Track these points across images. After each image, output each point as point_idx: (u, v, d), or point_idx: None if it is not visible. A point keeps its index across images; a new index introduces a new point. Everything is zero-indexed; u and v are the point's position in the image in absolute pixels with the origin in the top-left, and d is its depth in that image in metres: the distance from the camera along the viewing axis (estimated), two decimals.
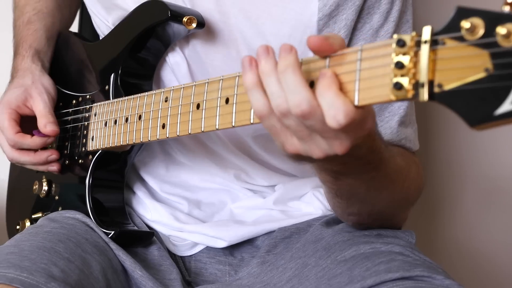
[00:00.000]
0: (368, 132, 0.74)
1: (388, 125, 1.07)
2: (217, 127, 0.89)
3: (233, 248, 1.17)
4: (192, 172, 1.19)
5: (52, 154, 1.20)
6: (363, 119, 0.70)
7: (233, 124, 0.86)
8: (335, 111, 0.68)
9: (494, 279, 1.66)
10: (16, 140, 1.17)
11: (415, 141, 1.12)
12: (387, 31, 1.07)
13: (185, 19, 1.06)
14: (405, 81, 0.66)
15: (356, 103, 0.70)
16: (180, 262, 1.17)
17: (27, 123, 1.20)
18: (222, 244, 1.14)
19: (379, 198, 0.98)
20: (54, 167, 1.21)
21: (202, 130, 0.92)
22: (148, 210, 1.20)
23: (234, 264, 1.16)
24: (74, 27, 1.47)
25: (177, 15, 1.06)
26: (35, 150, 1.20)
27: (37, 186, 1.27)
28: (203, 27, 1.07)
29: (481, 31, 0.62)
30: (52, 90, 1.22)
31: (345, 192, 0.95)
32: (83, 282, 0.95)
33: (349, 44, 1.07)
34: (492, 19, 0.61)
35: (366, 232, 1.07)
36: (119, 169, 1.18)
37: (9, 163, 1.31)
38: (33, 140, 1.18)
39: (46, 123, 1.16)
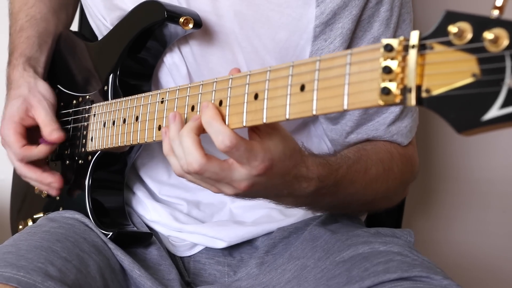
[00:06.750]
0: (269, 172, 0.83)
1: (383, 122, 1.09)
2: None
3: (232, 249, 1.16)
4: None
5: (55, 183, 1.19)
6: (249, 149, 0.81)
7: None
8: (222, 137, 0.81)
9: (492, 279, 1.65)
10: (23, 154, 1.17)
11: (408, 133, 1.12)
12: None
13: (181, 20, 1.05)
14: (393, 86, 0.65)
15: (345, 107, 0.70)
16: (179, 262, 1.17)
17: (32, 132, 1.20)
18: (222, 244, 1.14)
19: (365, 200, 1.08)
20: (53, 192, 1.20)
21: None
22: (148, 210, 1.20)
23: (233, 264, 1.15)
24: (74, 27, 1.47)
25: (174, 15, 1.05)
26: (43, 169, 1.19)
27: None
28: (200, 27, 1.07)
29: (469, 36, 0.61)
30: (49, 95, 1.21)
31: (329, 208, 1.10)
32: (80, 282, 0.96)
33: None
34: (480, 23, 0.60)
35: (364, 229, 1.07)
36: (119, 170, 1.17)
37: (9, 162, 1.31)
38: (40, 150, 1.17)
39: (51, 131, 1.16)
